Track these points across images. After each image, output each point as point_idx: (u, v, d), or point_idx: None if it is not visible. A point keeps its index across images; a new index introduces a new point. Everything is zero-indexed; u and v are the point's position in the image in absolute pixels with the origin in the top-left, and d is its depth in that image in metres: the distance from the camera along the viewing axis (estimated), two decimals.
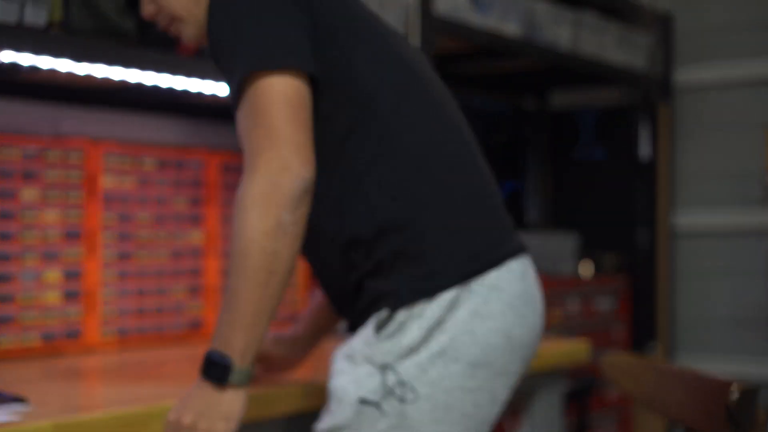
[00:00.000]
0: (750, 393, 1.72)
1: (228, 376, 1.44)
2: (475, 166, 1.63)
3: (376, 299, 1.55)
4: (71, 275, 2.35)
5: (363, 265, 1.55)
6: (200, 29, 1.63)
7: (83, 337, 2.38)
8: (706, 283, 3.92)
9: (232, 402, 1.45)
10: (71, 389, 1.85)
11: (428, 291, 1.52)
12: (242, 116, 1.45)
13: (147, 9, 1.70)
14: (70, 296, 2.35)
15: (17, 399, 1.60)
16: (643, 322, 3.82)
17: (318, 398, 1.78)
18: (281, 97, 1.42)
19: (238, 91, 1.46)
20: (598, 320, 3.61)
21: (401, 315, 1.52)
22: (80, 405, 1.65)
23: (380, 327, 1.53)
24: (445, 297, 1.52)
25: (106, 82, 2.32)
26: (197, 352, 2.44)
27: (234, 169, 2.72)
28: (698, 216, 3.93)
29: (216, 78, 2.22)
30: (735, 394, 1.70)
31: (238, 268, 1.41)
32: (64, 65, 1.99)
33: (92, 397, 1.81)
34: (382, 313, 1.54)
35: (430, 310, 1.52)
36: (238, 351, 1.44)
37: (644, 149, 3.86)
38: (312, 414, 1.79)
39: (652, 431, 3.75)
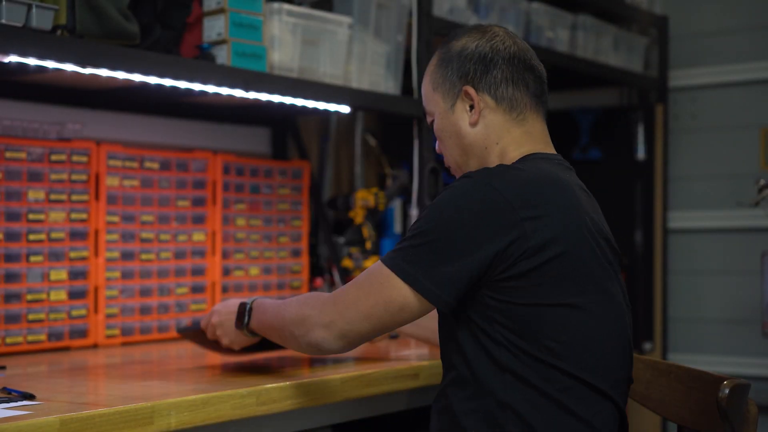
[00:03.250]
0: (740, 389, 1.74)
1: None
2: None
3: None
4: (76, 274, 2.38)
5: None
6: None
7: (88, 334, 2.41)
8: (701, 282, 3.94)
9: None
10: (77, 385, 1.86)
11: None
12: None
13: (436, 146, 1.89)
14: (76, 295, 2.38)
15: (25, 395, 1.63)
16: (638, 321, 3.85)
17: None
18: None
19: None
20: None
21: None
22: (86, 401, 1.67)
23: None
24: None
25: (111, 84, 2.35)
26: (199, 349, 2.47)
27: (235, 170, 2.75)
28: (693, 216, 3.95)
29: (218, 80, 2.24)
30: (726, 391, 1.72)
31: None
32: (69, 68, 2.02)
33: (98, 393, 1.83)
34: None
35: None
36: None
37: (640, 150, 3.89)
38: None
39: (646, 427, 3.78)
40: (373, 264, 1.68)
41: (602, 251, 1.70)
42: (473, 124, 1.78)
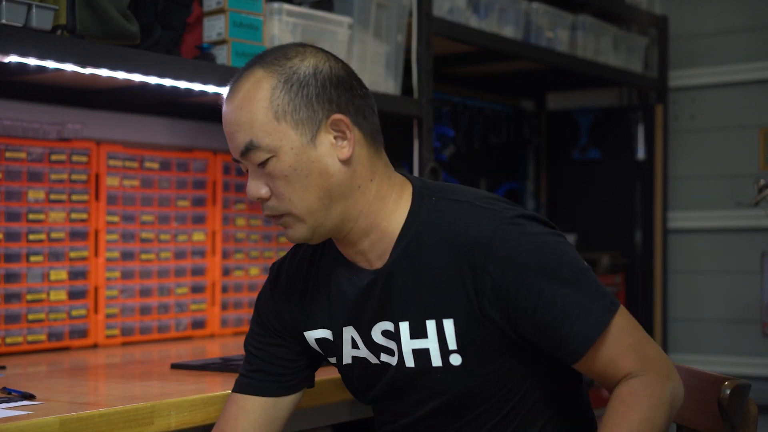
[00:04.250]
0: (741, 389, 1.74)
1: None
2: None
3: None
4: (76, 274, 2.38)
5: None
6: (313, 232, 1.52)
7: (88, 334, 2.41)
8: (700, 282, 3.95)
9: None
10: (77, 385, 1.87)
11: None
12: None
13: (256, 190, 1.51)
14: (76, 295, 2.38)
15: (25, 395, 1.63)
16: (638, 321, 3.85)
17: None
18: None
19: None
20: None
21: None
22: (86, 401, 1.67)
23: None
24: None
25: (111, 84, 2.35)
26: (200, 349, 2.47)
27: (235, 170, 2.75)
28: (693, 216, 3.95)
29: (218, 80, 2.24)
30: (727, 391, 1.72)
31: None
32: (70, 68, 2.01)
33: (98, 393, 1.83)
34: None
35: None
36: None
37: (640, 150, 3.89)
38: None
39: None
40: (599, 324, 1.47)
41: None
42: (345, 161, 1.50)
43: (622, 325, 1.48)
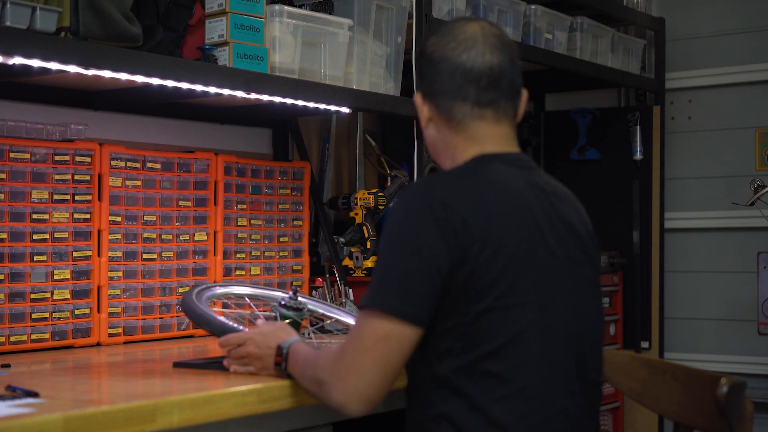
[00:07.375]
0: (738, 387, 1.76)
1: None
2: None
3: None
4: (80, 273, 2.40)
5: None
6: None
7: (91, 333, 2.43)
8: (697, 282, 3.96)
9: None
10: (80, 383, 1.88)
11: None
12: None
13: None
14: (79, 294, 2.40)
15: (29, 392, 1.65)
16: (635, 320, 3.87)
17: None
18: None
19: None
20: None
21: None
22: (89, 399, 1.69)
23: None
24: None
25: (114, 85, 2.36)
26: (202, 348, 2.49)
27: (237, 171, 2.77)
28: (689, 216, 3.97)
29: (219, 82, 2.26)
30: (724, 388, 1.74)
31: None
32: (73, 69, 2.03)
33: (101, 391, 1.84)
34: None
35: None
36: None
37: (638, 151, 3.90)
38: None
39: (643, 425, 3.80)
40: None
41: (552, 249, 1.71)
42: (425, 127, 1.82)
43: (361, 321, 1.65)
